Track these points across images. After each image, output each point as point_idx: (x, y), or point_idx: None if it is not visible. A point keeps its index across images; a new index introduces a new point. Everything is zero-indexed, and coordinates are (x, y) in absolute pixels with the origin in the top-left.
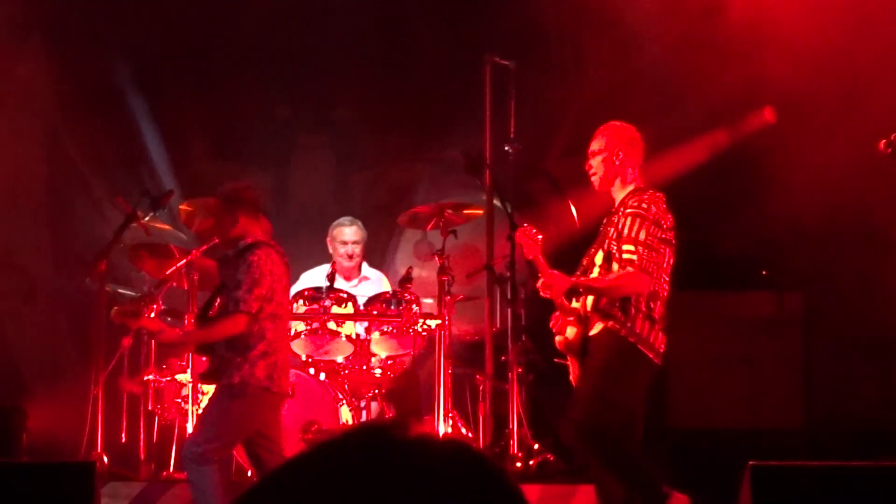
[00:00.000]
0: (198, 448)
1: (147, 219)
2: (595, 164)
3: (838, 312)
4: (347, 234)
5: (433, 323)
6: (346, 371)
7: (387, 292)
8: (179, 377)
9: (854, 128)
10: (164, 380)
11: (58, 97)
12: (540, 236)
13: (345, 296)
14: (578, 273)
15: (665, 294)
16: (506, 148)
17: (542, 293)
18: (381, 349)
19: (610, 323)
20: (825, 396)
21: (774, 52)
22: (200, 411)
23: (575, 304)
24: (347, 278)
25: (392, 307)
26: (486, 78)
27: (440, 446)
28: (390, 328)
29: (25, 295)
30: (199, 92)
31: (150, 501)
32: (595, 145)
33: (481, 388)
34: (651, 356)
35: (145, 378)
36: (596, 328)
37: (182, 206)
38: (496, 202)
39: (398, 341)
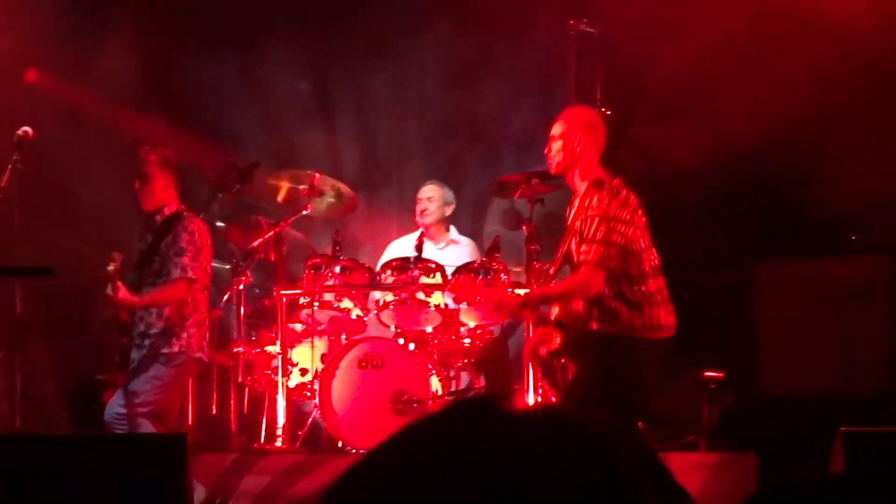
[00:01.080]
0: (122, 410)
1: (234, 191)
2: (555, 148)
3: None
4: (423, 191)
5: (521, 292)
6: (436, 341)
7: (474, 262)
8: (269, 349)
9: None
10: (253, 351)
11: (142, 71)
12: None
13: (433, 266)
14: (552, 267)
15: (649, 268)
16: None
17: (495, 314)
18: (469, 319)
19: (599, 325)
20: None
21: (865, 17)
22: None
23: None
24: (434, 240)
25: (480, 277)
26: (571, 45)
27: (542, 419)
28: (479, 298)
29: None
30: (287, 60)
31: (241, 473)
32: (555, 129)
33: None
34: (658, 337)
35: (235, 350)
36: (582, 330)
37: (270, 179)
38: None
39: (487, 311)
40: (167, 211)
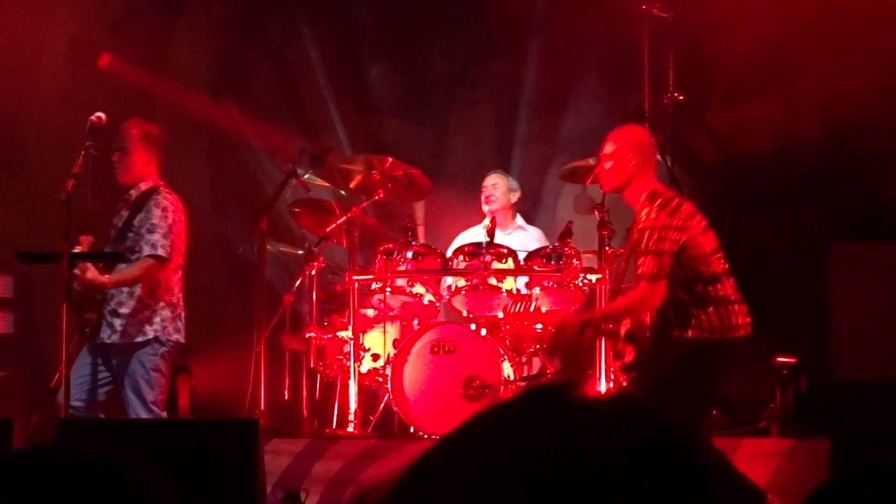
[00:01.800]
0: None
1: (307, 176)
2: (607, 167)
3: None
4: (487, 179)
5: (594, 277)
6: (507, 326)
7: (547, 247)
8: (341, 334)
9: None
10: (325, 337)
11: (215, 56)
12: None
13: (505, 251)
14: (620, 280)
15: (721, 269)
16: (664, 100)
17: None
18: (541, 304)
19: (678, 330)
20: None
21: None
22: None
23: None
24: (501, 227)
25: (552, 262)
26: (644, 30)
27: (616, 406)
28: (551, 283)
29: (188, 253)
30: (357, 48)
31: (313, 458)
32: (607, 149)
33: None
34: (737, 336)
35: (307, 335)
36: (661, 338)
37: (342, 164)
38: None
39: (559, 296)
40: (144, 186)
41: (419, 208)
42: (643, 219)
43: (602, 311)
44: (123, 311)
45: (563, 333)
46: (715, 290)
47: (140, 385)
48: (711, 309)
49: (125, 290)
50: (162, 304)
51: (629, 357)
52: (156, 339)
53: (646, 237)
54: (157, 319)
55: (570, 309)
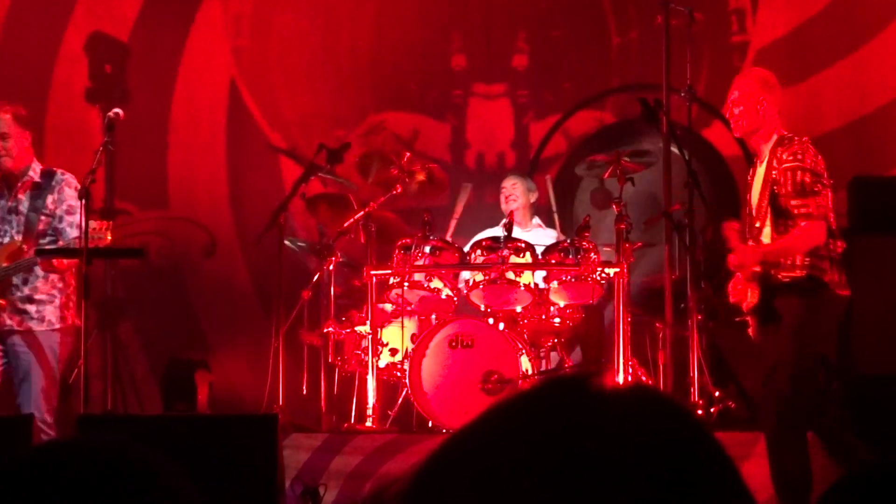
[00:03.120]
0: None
1: (325, 171)
2: (737, 112)
3: None
4: (506, 181)
5: (611, 271)
6: (525, 321)
7: (564, 241)
8: (359, 329)
9: None
10: (343, 332)
11: (234, 52)
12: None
13: (522, 245)
14: (741, 225)
15: (837, 227)
16: (682, 94)
17: (732, 268)
18: (559, 298)
19: (803, 275)
20: None
21: None
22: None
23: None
24: (521, 225)
25: (570, 256)
26: (664, 23)
27: (635, 397)
28: (569, 277)
29: (206, 250)
30: (374, 41)
31: (332, 453)
32: (735, 94)
33: (661, 335)
34: (846, 294)
35: (325, 330)
36: (782, 285)
37: (358, 158)
38: (673, 148)
39: (577, 290)
40: (39, 168)
41: (460, 201)
42: (788, 159)
43: (772, 247)
44: (39, 297)
45: (743, 268)
46: (835, 246)
47: (40, 374)
48: (834, 263)
49: (40, 274)
50: (71, 288)
51: (753, 300)
52: (72, 324)
53: (798, 178)
54: (71, 304)
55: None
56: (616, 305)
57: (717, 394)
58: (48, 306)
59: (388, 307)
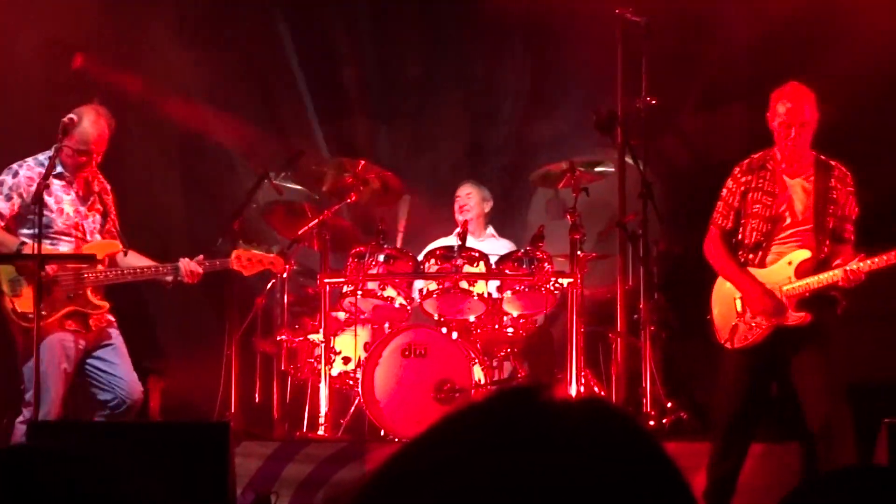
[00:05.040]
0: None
1: (280, 178)
2: (804, 133)
3: None
4: (461, 189)
5: (565, 281)
6: (479, 330)
7: (518, 251)
8: (312, 337)
9: None
10: (297, 339)
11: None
12: None
13: (476, 255)
14: (768, 227)
15: None
16: (637, 104)
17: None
18: (513, 308)
19: (840, 308)
20: None
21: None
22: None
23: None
24: (474, 235)
25: (524, 266)
26: (617, 34)
27: (585, 409)
28: (522, 287)
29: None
30: (333, 50)
31: (284, 461)
32: (807, 114)
33: (614, 346)
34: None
35: (279, 338)
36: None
37: (315, 167)
38: (628, 159)
39: (531, 300)
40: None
41: (401, 214)
42: (850, 184)
43: (822, 283)
44: None
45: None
46: None
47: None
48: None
49: None
50: None
51: (805, 320)
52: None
53: (852, 203)
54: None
55: (536, 315)
56: (569, 316)
57: (669, 405)
58: None
59: (342, 315)
